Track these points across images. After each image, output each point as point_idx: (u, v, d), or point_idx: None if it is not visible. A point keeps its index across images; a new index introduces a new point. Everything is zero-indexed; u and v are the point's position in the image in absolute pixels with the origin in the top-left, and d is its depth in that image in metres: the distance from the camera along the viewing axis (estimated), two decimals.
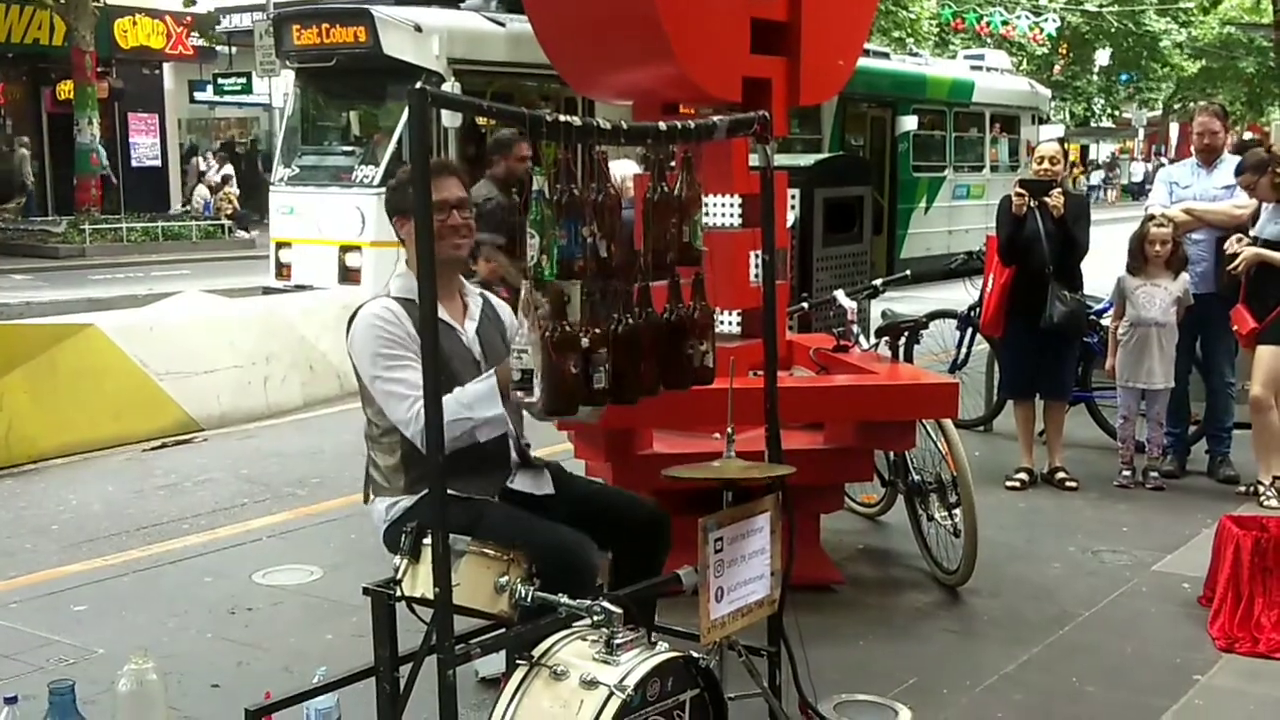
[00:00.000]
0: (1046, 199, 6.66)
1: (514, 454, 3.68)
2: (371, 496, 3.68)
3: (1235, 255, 6.48)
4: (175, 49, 28.77)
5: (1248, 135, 36.65)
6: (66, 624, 4.97)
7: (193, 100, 31.75)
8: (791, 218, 7.55)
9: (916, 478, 5.61)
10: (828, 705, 4.03)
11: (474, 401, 3.39)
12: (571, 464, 5.00)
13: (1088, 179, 45.19)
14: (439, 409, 2.85)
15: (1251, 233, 6.56)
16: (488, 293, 3.89)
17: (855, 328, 5.60)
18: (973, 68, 22.41)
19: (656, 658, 2.88)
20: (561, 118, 3.02)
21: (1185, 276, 6.81)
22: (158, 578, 5.58)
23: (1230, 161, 7.12)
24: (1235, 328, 6.59)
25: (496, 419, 3.42)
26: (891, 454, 5.74)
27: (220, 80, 29.58)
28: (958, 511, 5.27)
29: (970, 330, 8.44)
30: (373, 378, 3.50)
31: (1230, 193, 6.90)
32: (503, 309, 3.84)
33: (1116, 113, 48.09)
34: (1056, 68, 42.45)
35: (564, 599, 3.04)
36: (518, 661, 2.93)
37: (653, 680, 2.86)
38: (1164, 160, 42.83)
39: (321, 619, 5.03)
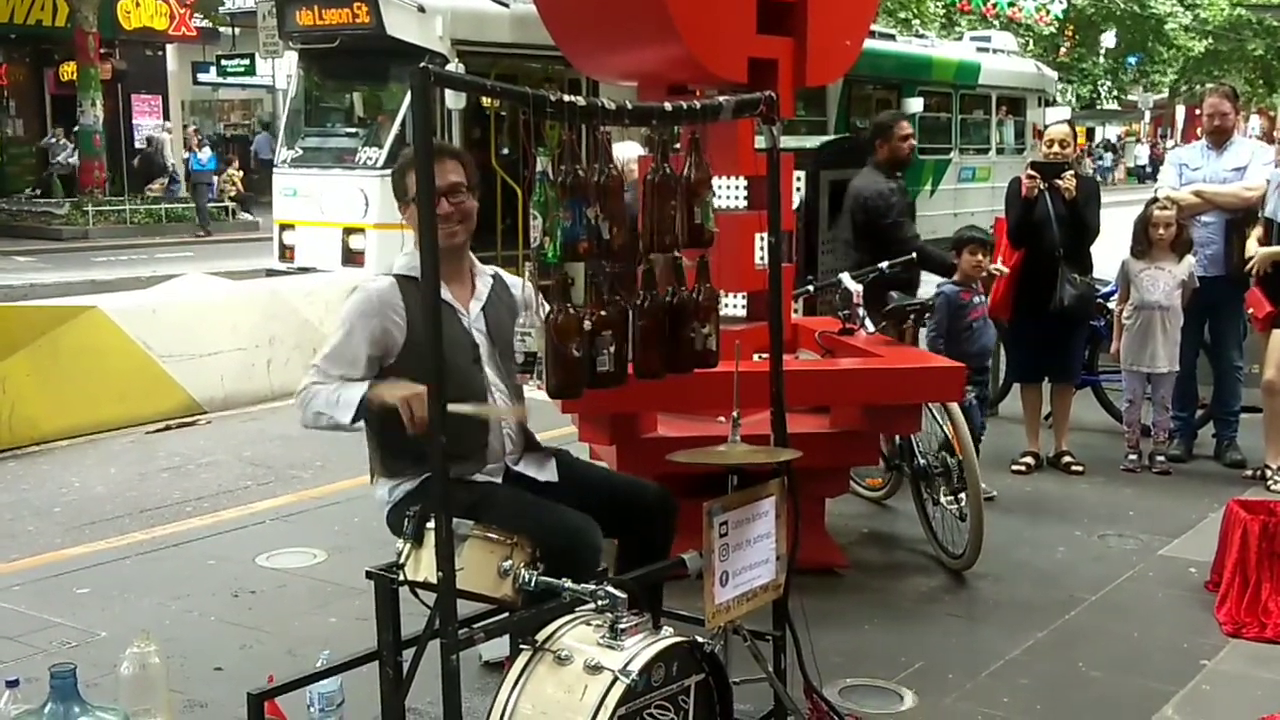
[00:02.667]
0: (1058, 181, 6.61)
1: (507, 441, 3.64)
2: (376, 479, 3.67)
3: (1251, 265, 6.47)
4: (178, 30, 28.70)
5: (1255, 119, 36.55)
6: (69, 606, 4.96)
7: (196, 82, 31.73)
8: (797, 200, 7.51)
9: (922, 461, 5.59)
10: (832, 690, 4.02)
11: (340, 404, 3.45)
12: (576, 447, 4.98)
13: (1098, 162, 45.02)
14: (443, 392, 2.82)
15: (1264, 214, 6.52)
16: (501, 271, 3.84)
17: (861, 311, 5.57)
18: (979, 49, 22.28)
19: (661, 642, 2.86)
20: (566, 98, 2.99)
21: (1190, 259, 6.77)
22: (161, 560, 5.57)
23: (1240, 144, 7.07)
24: (1250, 311, 6.55)
25: (351, 428, 3.48)
26: (897, 438, 5.72)
27: (223, 62, 29.52)
28: (963, 495, 5.25)
29: None
30: (332, 341, 3.57)
31: (1240, 175, 6.85)
32: (516, 286, 3.78)
33: (1122, 95, 47.90)
34: (1063, 50, 42.26)
35: (568, 583, 3.02)
36: (521, 646, 2.91)
37: (657, 665, 2.84)
38: (1170, 144, 42.68)
39: (325, 602, 5.02)
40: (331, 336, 3.58)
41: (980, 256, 6.20)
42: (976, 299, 6.19)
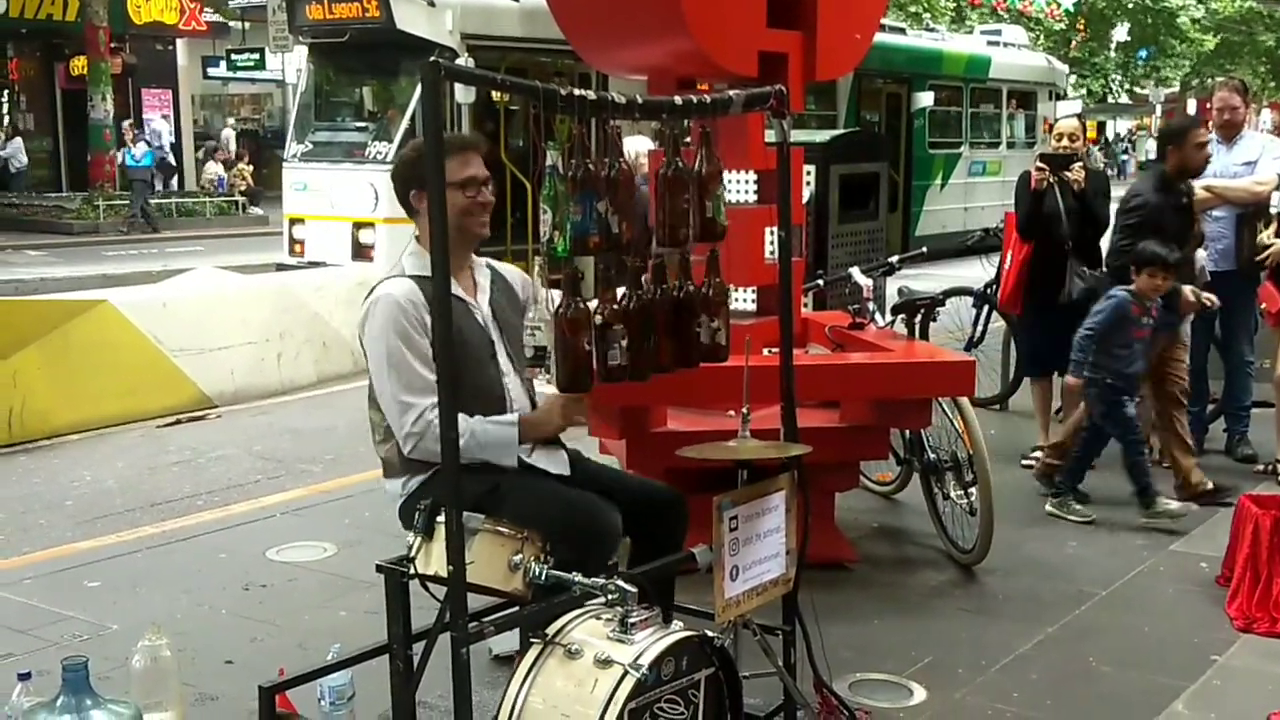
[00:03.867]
0: (1067, 174, 6.60)
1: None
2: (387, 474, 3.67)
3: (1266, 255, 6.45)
4: (188, 24, 28.73)
5: (1266, 113, 36.43)
6: (80, 600, 4.98)
7: (206, 76, 31.80)
8: (807, 194, 7.50)
9: (932, 456, 5.58)
10: (842, 684, 4.02)
11: (490, 445, 3.45)
12: (586, 442, 4.98)
13: (1123, 156, 44.83)
14: (452, 394, 2.81)
15: (1274, 209, 6.50)
16: (494, 261, 3.85)
17: (871, 305, 5.56)
18: (989, 43, 22.27)
19: (671, 636, 2.86)
20: (576, 92, 2.98)
21: (1201, 253, 6.74)
22: (172, 554, 5.59)
23: (1250, 138, 7.04)
24: (1264, 306, 6.53)
25: (509, 465, 3.49)
26: (907, 432, 5.71)
27: (233, 56, 29.57)
28: (974, 490, 5.24)
29: (987, 308, 8.39)
30: (381, 371, 3.48)
31: (1250, 169, 6.82)
32: (511, 275, 3.82)
33: (1134, 89, 47.75)
34: (1074, 44, 42.13)
35: (578, 577, 3.02)
36: (531, 640, 2.91)
37: (667, 659, 2.84)
38: None
39: (335, 596, 5.03)
40: (401, 355, 3.42)
41: (1160, 280, 5.83)
42: (1146, 320, 5.90)
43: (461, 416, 3.39)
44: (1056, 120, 8.59)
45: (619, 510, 3.49)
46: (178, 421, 8.20)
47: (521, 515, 3.15)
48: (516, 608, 3.15)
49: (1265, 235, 6.58)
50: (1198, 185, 6.89)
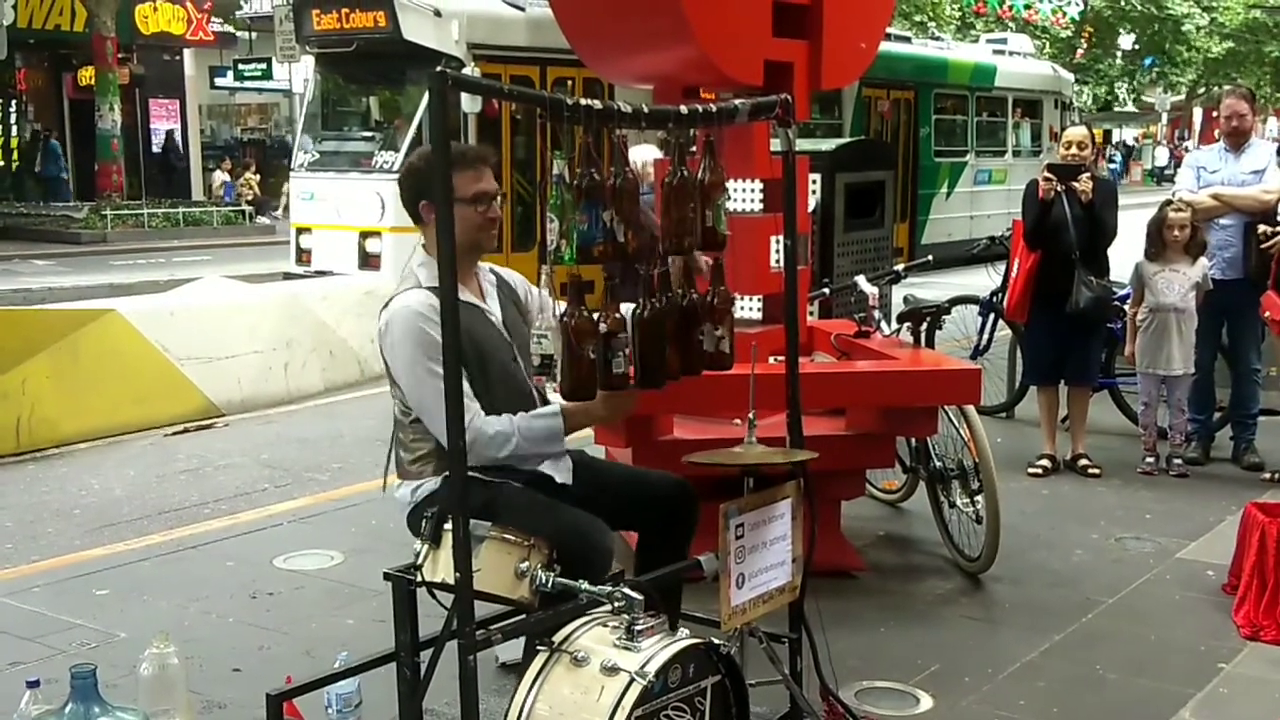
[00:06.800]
0: (1075, 183, 6.60)
1: None
2: (398, 481, 3.65)
3: (1270, 244, 6.44)
4: (196, 35, 28.84)
5: (1272, 120, 36.42)
6: (88, 608, 4.99)
7: (213, 86, 31.86)
8: (813, 203, 7.51)
9: (938, 464, 5.58)
10: (849, 692, 4.02)
11: (539, 439, 3.48)
12: (591, 450, 4.99)
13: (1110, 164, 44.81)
14: (459, 398, 2.83)
15: None
16: (495, 266, 3.86)
17: (877, 313, 5.57)
18: (995, 52, 22.29)
19: (677, 644, 2.87)
20: (583, 101, 3.00)
21: (1204, 261, 6.74)
22: (179, 562, 5.60)
23: (1258, 146, 7.05)
24: (1267, 314, 6.52)
25: (560, 453, 3.51)
26: (913, 440, 5.71)
27: (241, 66, 29.66)
28: (980, 498, 5.24)
29: (992, 316, 8.40)
30: (423, 386, 3.40)
31: (1258, 177, 6.83)
32: (513, 279, 3.82)
33: (1139, 97, 47.71)
34: (1079, 52, 42.11)
35: (585, 585, 3.02)
36: (538, 647, 2.92)
37: (674, 667, 2.85)
38: (1187, 146, 42.49)
39: (342, 604, 5.03)
40: (432, 368, 3.33)
41: None
42: None
43: (506, 417, 3.43)
44: (1063, 129, 8.60)
45: (620, 518, 3.49)
46: (185, 430, 8.22)
47: None
48: (523, 615, 3.16)
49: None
50: (1205, 193, 6.91)
